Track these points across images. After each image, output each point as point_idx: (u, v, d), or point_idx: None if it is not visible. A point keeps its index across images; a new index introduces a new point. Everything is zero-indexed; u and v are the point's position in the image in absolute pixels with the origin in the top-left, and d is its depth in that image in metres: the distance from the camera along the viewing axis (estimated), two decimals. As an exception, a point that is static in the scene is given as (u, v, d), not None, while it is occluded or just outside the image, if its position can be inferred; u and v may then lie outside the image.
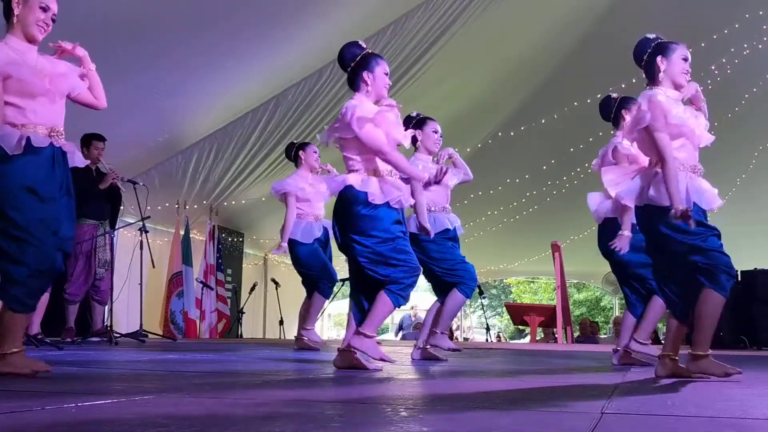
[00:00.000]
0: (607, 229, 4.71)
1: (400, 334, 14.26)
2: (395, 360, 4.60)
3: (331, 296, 6.78)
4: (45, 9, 3.25)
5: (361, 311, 4.02)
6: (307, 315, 6.53)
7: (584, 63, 10.26)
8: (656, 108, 3.49)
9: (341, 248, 4.06)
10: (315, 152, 6.39)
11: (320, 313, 6.89)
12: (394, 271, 3.91)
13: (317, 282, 6.40)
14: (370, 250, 3.90)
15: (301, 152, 6.38)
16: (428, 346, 5.10)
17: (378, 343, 4.15)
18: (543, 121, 11.31)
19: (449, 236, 5.05)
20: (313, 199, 6.28)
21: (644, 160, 3.80)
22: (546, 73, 11.15)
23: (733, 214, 12.50)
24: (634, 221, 4.63)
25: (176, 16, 7.01)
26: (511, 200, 13.50)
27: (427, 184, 4.83)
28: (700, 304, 3.48)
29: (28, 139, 3.16)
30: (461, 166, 5.26)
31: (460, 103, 10.74)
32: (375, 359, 3.96)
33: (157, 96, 7.91)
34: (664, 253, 3.58)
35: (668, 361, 3.64)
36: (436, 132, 5.07)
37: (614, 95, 4.92)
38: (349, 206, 3.94)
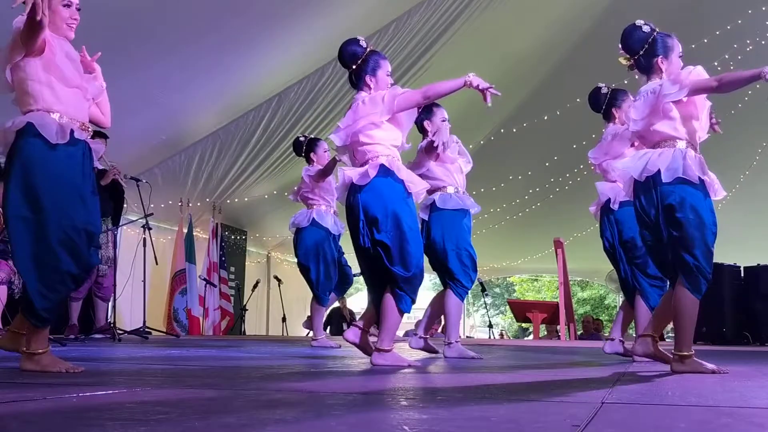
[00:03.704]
0: (624, 213, 4.65)
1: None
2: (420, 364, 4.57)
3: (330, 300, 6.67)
4: (68, 5, 3.21)
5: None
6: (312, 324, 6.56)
7: (587, 58, 10.25)
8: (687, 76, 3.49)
9: (366, 229, 3.89)
10: (326, 151, 6.37)
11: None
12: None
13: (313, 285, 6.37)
14: (406, 234, 3.81)
15: (312, 154, 6.35)
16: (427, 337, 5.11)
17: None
18: (545, 117, 11.30)
19: (468, 220, 4.96)
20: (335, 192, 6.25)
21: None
22: (549, 69, 11.16)
23: (737, 210, 12.49)
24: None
25: (180, 15, 7.02)
26: (514, 197, 13.49)
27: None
28: (677, 302, 3.45)
29: (72, 130, 3.12)
30: (464, 154, 5.22)
31: (462, 99, 10.72)
32: (404, 366, 3.86)
33: (157, 94, 7.91)
34: (676, 233, 3.46)
35: (649, 341, 3.63)
36: (444, 120, 4.99)
37: (604, 89, 4.88)
38: (389, 186, 3.82)
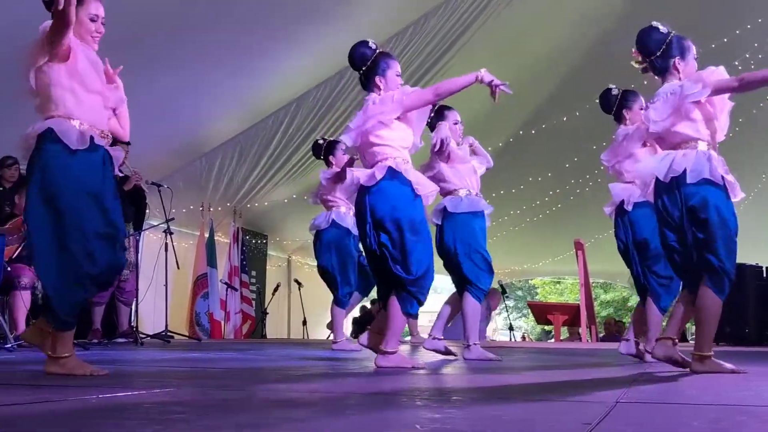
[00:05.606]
0: (638, 213, 4.64)
1: None
2: (425, 366, 4.37)
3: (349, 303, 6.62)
4: (94, 19, 3.28)
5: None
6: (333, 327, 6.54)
7: (605, 60, 10.19)
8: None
9: (374, 231, 3.85)
10: (344, 153, 6.35)
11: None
12: (411, 270, 3.78)
13: (332, 286, 6.37)
14: (406, 238, 3.77)
15: (330, 157, 6.35)
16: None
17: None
18: (565, 118, 11.26)
19: (483, 222, 4.96)
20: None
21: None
22: (567, 71, 11.11)
23: (759, 209, 12.38)
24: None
25: (201, 22, 7.08)
26: (534, 199, 13.44)
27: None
28: (700, 302, 3.46)
29: (92, 137, 3.16)
30: (482, 153, 5.22)
31: (481, 102, 10.69)
32: (408, 368, 3.80)
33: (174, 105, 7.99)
34: (700, 234, 3.47)
35: (669, 344, 3.61)
36: (456, 123, 5.04)
37: (614, 91, 4.88)
38: (396, 188, 3.81)
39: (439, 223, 4.91)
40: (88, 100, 3.21)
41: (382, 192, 3.82)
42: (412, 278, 3.77)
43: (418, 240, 3.80)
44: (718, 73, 3.53)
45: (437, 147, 4.74)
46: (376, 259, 3.88)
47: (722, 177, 3.47)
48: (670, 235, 3.60)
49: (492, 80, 3.87)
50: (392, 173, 3.82)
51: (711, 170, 3.45)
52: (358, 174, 3.91)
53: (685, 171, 3.47)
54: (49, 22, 3.09)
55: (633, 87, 5.16)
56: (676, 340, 3.62)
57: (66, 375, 3.06)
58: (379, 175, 3.81)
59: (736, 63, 10.08)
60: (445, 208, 4.89)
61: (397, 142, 3.89)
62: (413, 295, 3.81)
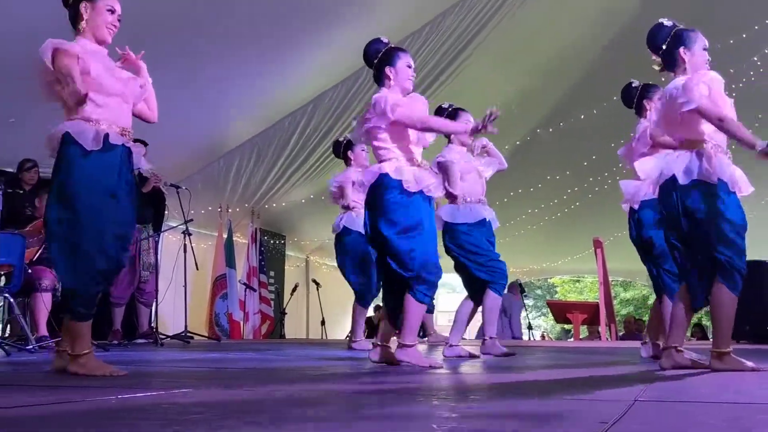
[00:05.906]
0: (645, 212, 4.64)
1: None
2: (442, 365, 4.20)
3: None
4: (112, 11, 3.32)
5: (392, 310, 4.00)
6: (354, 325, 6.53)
7: (623, 58, 10.13)
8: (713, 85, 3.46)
9: (370, 241, 4.01)
10: (363, 150, 6.39)
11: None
12: (417, 267, 3.82)
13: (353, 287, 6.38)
14: (394, 240, 3.82)
15: (349, 152, 6.40)
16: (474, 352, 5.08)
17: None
18: (582, 117, 11.21)
19: (485, 228, 5.03)
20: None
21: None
22: (584, 70, 11.05)
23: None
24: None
25: (217, 26, 7.11)
26: (552, 198, 13.39)
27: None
28: (715, 299, 3.45)
29: (106, 135, 3.21)
30: (495, 155, 5.24)
31: (497, 101, 10.68)
32: (423, 366, 3.81)
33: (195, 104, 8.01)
34: (699, 232, 3.48)
35: (673, 352, 3.58)
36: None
37: (635, 83, 4.88)
38: (381, 194, 3.88)
39: (441, 229, 4.97)
40: (106, 102, 3.28)
41: (372, 197, 3.94)
42: (413, 275, 3.83)
43: (411, 238, 3.84)
44: (717, 82, 3.50)
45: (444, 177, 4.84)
46: (378, 252, 3.99)
47: (717, 175, 3.45)
48: (671, 234, 3.65)
49: (477, 125, 3.97)
50: (381, 178, 3.89)
51: (701, 170, 3.46)
52: (363, 176, 4.04)
53: (678, 173, 3.49)
54: (48, 46, 3.16)
55: (651, 83, 5.14)
56: (681, 348, 3.60)
57: (86, 375, 3.09)
58: (369, 179, 3.94)
59: (755, 59, 10.00)
60: (441, 217, 4.96)
61: (393, 143, 3.94)
62: (418, 288, 3.85)
